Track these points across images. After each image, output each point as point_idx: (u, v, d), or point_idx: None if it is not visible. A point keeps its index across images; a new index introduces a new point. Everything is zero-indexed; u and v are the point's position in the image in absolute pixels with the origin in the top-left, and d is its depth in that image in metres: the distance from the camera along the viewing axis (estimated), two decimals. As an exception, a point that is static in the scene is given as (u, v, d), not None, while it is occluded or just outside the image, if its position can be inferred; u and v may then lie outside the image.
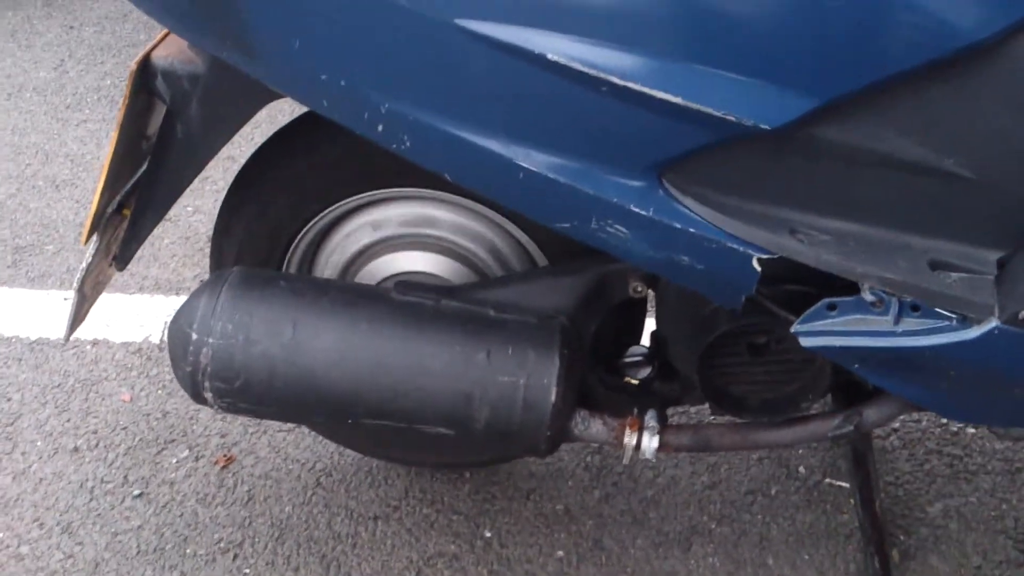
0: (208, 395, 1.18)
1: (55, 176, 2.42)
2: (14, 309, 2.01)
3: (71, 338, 1.88)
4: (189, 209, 2.27)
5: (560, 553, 1.53)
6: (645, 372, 1.29)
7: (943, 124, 0.94)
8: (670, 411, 1.39)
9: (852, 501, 1.59)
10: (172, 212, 2.25)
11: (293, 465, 1.67)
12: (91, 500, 1.61)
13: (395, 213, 1.32)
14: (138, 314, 1.99)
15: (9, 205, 2.32)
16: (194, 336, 1.16)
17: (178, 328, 1.18)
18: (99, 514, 1.60)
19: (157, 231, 2.21)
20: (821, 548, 1.53)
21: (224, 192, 1.35)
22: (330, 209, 1.31)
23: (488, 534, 1.56)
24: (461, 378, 1.14)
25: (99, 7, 3.20)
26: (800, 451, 1.68)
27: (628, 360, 1.30)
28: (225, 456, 1.68)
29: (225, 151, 2.20)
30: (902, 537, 1.55)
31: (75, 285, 1.28)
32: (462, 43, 0.92)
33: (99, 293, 1.36)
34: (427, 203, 1.30)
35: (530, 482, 1.64)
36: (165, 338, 1.91)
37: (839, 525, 1.56)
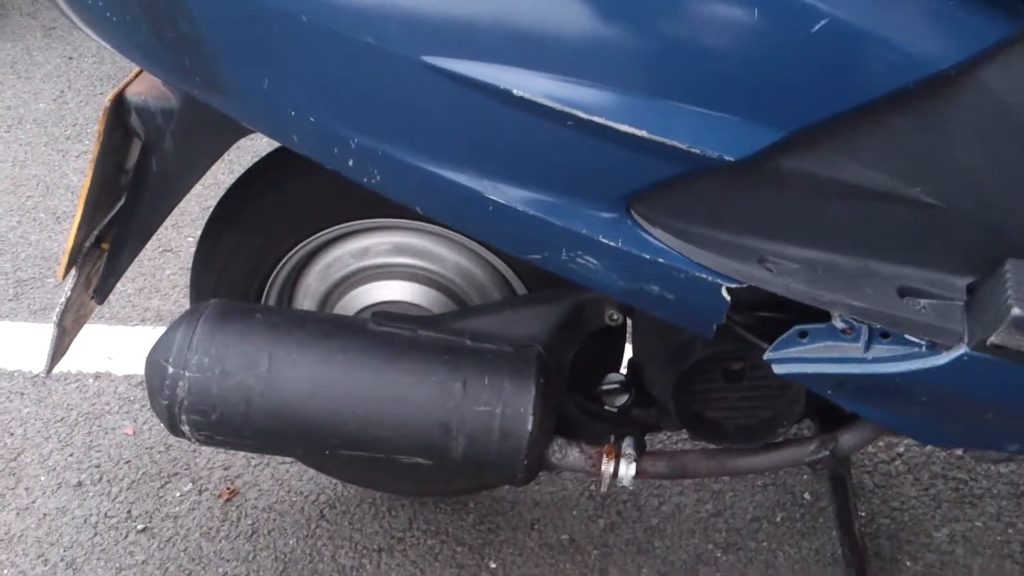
0: (185, 428, 1.18)
1: (56, 208, 2.42)
2: (16, 343, 2.01)
3: (76, 372, 1.91)
4: (190, 240, 2.27)
5: (566, 584, 1.53)
6: (622, 399, 1.31)
7: (908, 153, 0.94)
8: (649, 436, 1.40)
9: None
10: (173, 243, 2.26)
11: (296, 497, 1.66)
12: (95, 535, 1.61)
13: (372, 243, 1.33)
14: (140, 346, 1.99)
15: (10, 238, 2.32)
16: (170, 369, 1.16)
17: (154, 361, 1.19)
18: (103, 549, 1.59)
19: (158, 262, 2.22)
20: (827, 575, 1.53)
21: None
22: (308, 240, 1.32)
23: (493, 565, 1.55)
24: (438, 408, 1.15)
25: (99, 37, 3.21)
26: (804, 477, 1.68)
27: (606, 388, 1.31)
28: (228, 489, 1.68)
29: (224, 178, 2.21)
30: (908, 563, 1.54)
31: (55, 319, 1.28)
32: (430, 80, 0.93)
33: (80, 326, 1.36)
34: (405, 232, 1.31)
35: (534, 511, 1.63)
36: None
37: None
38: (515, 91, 0.92)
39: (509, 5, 0.91)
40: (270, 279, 1.37)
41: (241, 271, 1.35)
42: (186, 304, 2.09)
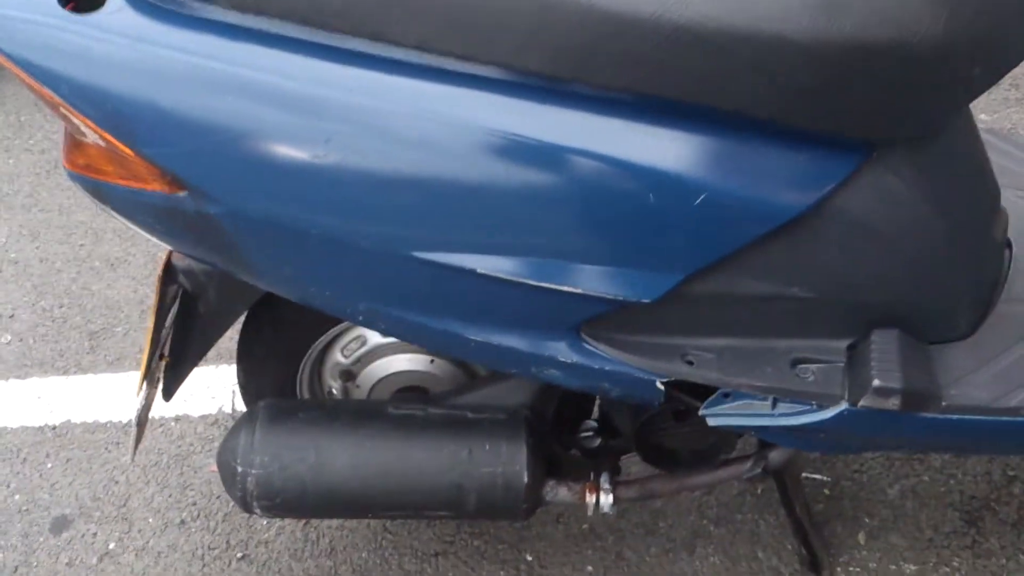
0: (257, 511, 1.53)
1: (108, 255, 2.72)
2: (102, 395, 2.33)
3: (159, 417, 2.23)
4: (232, 274, 2.57)
5: (590, 568, 1.88)
6: (596, 442, 1.66)
7: (784, 266, 1.26)
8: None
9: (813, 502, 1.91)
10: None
11: (362, 515, 2.01)
12: (204, 567, 1.97)
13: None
14: (208, 386, 2.32)
15: (74, 289, 2.63)
16: (239, 469, 1.50)
17: (225, 461, 1.53)
18: (212, 577, 1.96)
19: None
20: (802, 536, 1.87)
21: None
22: (323, 337, 1.66)
23: (529, 558, 1.91)
24: (451, 474, 1.48)
25: (108, 62, 3.42)
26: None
27: (582, 435, 1.66)
28: (305, 514, 2.02)
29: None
30: (867, 519, 1.88)
31: (134, 420, 1.60)
32: (418, 266, 1.25)
33: (149, 413, 1.69)
34: None
35: (558, 507, 1.98)
36: (236, 407, 2.25)
37: (816, 514, 1.90)
38: (479, 270, 1.24)
39: (472, 209, 1.21)
40: (300, 367, 1.72)
41: (275, 365, 1.71)
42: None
